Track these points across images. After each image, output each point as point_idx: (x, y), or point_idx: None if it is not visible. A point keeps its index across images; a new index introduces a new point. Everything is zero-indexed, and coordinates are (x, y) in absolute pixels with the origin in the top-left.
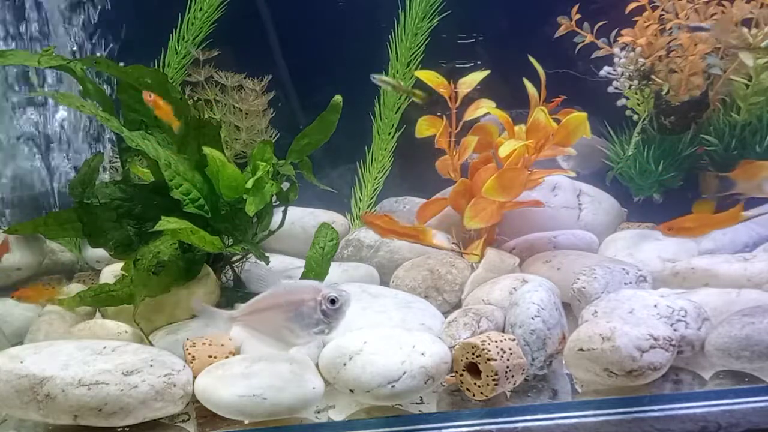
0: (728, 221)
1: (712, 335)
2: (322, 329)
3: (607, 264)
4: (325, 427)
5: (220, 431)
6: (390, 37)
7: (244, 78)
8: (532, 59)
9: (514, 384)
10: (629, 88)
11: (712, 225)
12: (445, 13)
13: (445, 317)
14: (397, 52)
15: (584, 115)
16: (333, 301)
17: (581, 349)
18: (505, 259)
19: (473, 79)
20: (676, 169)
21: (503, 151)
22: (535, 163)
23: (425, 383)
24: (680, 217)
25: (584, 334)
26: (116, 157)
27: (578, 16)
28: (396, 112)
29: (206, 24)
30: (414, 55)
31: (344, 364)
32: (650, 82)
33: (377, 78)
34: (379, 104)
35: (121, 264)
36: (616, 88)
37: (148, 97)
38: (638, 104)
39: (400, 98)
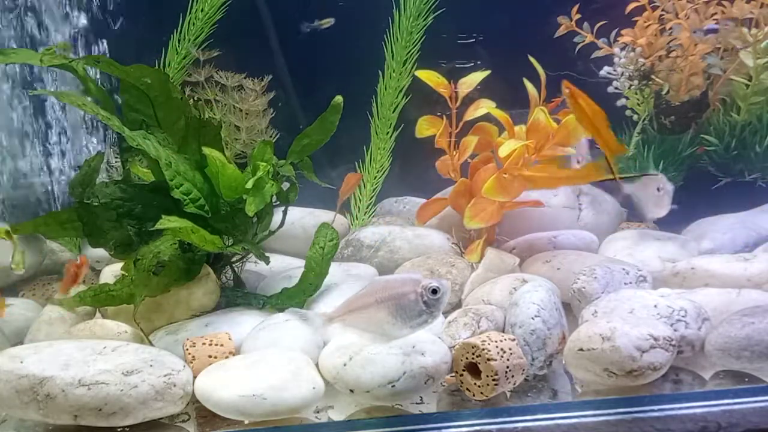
0: (581, 178)
1: (712, 335)
2: (425, 319)
3: (607, 264)
4: (325, 427)
5: (220, 431)
6: (385, 35)
7: (245, 78)
8: (532, 59)
9: (514, 384)
10: (629, 88)
11: (560, 179)
12: (440, 11)
13: (445, 317)
14: (392, 51)
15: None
16: (435, 291)
17: (581, 349)
18: (505, 259)
19: (473, 79)
20: (676, 169)
21: (503, 151)
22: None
23: (425, 383)
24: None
25: (584, 334)
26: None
27: (578, 16)
28: (393, 112)
29: (207, 24)
30: (410, 53)
31: (344, 364)
32: (650, 82)
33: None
34: (377, 103)
35: (121, 264)
36: (616, 88)
37: None
38: (638, 104)
39: (397, 97)
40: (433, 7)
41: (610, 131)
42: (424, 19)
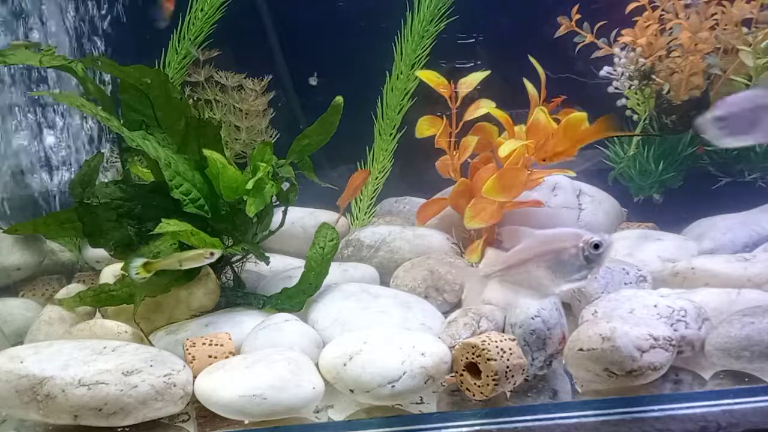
0: (593, 134)
1: (712, 335)
2: (584, 275)
3: (607, 264)
4: (325, 427)
5: (220, 431)
6: (396, 37)
7: (245, 78)
8: (532, 59)
9: (514, 384)
10: (629, 88)
11: (580, 140)
12: (453, 18)
13: (445, 317)
14: (402, 53)
15: (584, 115)
16: (597, 246)
17: (581, 349)
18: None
19: (473, 79)
20: (675, 169)
21: (503, 151)
22: (535, 163)
23: (425, 383)
24: (547, 146)
25: (584, 334)
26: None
27: (578, 16)
28: (398, 113)
29: (207, 24)
30: (419, 57)
31: (344, 364)
32: (651, 82)
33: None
34: (382, 105)
35: (121, 264)
36: (616, 88)
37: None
38: (638, 104)
39: (403, 99)
40: (446, 13)
41: None
42: (437, 25)
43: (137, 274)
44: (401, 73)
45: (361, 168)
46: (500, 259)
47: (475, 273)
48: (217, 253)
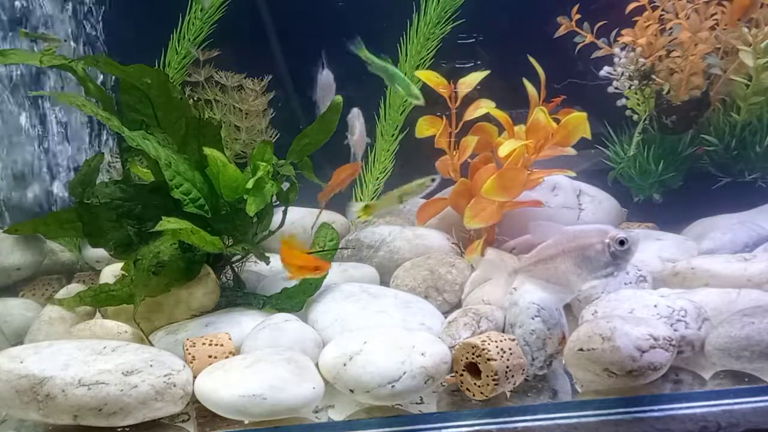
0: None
1: (712, 335)
2: (610, 271)
3: None
4: (325, 427)
5: (220, 431)
6: (401, 38)
7: (244, 78)
8: (532, 59)
9: (514, 384)
10: (629, 88)
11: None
12: (460, 22)
13: (445, 317)
14: (407, 54)
15: (584, 114)
16: (622, 242)
17: (581, 349)
18: (505, 260)
19: (473, 79)
20: (676, 169)
21: (503, 151)
22: (536, 163)
23: (425, 383)
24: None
25: (584, 334)
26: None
27: (578, 16)
28: (401, 114)
29: (207, 24)
30: (423, 59)
31: (344, 364)
32: (650, 82)
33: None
34: (384, 105)
35: (121, 264)
36: (616, 88)
37: None
38: (638, 104)
39: (405, 100)
40: (453, 16)
41: None
42: (442, 28)
43: (359, 217)
44: (405, 74)
45: (363, 169)
46: (530, 254)
47: (504, 268)
48: (438, 179)
